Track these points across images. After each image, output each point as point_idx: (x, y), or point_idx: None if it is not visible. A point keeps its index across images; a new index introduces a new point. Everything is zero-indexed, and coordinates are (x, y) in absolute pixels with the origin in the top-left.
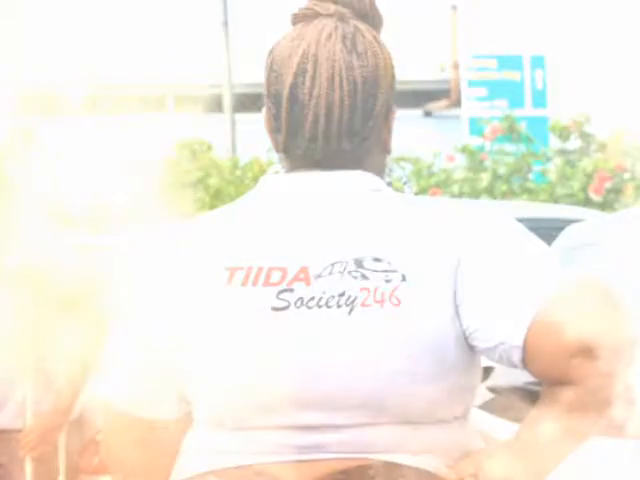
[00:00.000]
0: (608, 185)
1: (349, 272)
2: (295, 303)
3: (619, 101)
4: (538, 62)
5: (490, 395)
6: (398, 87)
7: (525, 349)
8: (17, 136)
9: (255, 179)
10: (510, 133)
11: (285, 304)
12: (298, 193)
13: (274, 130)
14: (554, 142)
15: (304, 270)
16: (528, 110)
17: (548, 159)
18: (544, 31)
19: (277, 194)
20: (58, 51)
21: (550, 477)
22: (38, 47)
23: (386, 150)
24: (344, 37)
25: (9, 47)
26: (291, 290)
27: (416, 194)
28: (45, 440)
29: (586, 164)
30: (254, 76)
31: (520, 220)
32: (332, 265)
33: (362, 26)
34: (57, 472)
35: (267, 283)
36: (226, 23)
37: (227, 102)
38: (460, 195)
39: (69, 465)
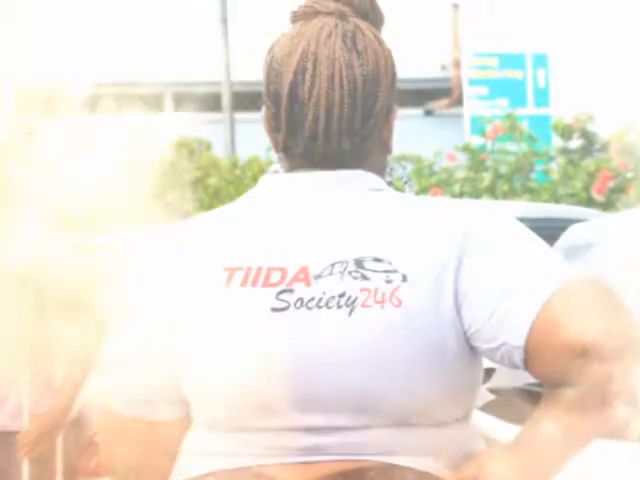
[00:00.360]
0: (611, 185)
1: (349, 272)
2: (295, 304)
3: (622, 100)
4: (540, 60)
5: (491, 396)
6: (399, 86)
7: (527, 350)
8: (17, 136)
9: (254, 179)
10: (512, 132)
11: (285, 305)
12: (298, 193)
13: (274, 129)
14: (556, 141)
15: (304, 270)
16: (530, 109)
17: (550, 158)
18: (546, 29)
19: (277, 194)
20: (58, 50)
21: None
22: (38, 47)
23: (387, 149)
24: (344, 35)
25: (9, 47)
26: (291, 291)
27: (417, 193)
28: (43, 441)
29: (589, 163)
30: (253, 75)
31: (522, 220)
32: (332, 265)
33: (362, 24)
34: (55, 473)
35: (266, 283)
36: (225, 21)
37: (226, 101)
38: (461, 194)
39: (67, 466)
